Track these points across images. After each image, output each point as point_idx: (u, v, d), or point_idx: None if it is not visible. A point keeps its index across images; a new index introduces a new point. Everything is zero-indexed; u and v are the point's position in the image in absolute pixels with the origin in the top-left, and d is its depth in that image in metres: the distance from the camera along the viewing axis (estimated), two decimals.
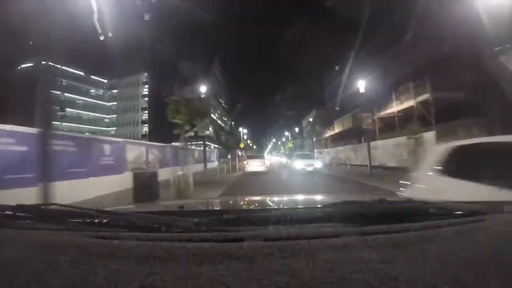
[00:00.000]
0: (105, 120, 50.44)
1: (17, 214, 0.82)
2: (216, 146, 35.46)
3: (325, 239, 0.62)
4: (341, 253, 0.56)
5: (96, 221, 0.79)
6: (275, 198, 1.78)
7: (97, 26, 4.82)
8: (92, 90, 48.62)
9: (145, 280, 0.50)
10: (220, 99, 54.74)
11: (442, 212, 0.87)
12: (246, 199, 1.80)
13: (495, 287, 0.47)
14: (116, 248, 0.59)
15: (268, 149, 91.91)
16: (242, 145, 23.60)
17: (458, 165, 2.42)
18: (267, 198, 1.78)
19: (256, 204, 1.53)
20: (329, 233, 0.66)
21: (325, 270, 0.51)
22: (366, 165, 13.45)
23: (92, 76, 47.05)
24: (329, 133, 29.86)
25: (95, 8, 4.66)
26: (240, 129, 40.72)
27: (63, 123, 37.90)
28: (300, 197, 2.19)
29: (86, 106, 46.95)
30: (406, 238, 0.62)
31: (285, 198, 1.87)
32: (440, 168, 2.49)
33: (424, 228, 0.69)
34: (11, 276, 0.53)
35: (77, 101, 44.62)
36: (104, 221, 0.78)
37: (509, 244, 0.61)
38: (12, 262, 0.57)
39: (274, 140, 75.70)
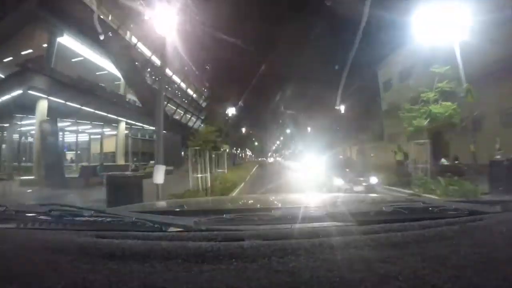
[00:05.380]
0: None
1: (17, 214, 0.89)
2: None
3: (325, 238, 0.69)
4: (341, 253, 0.62)
5: (96, 221, 0.87)
6: (275, 198, 1.86)
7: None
8: None
9: (145, 280, 0.55)
10: None
11: (442, 211, 0.95)
12: (246, 199, 1.91)
13: (495, 286, 0.53)
14: (116, 248, 0.65)
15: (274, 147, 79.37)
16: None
17: None
18: (267, 198, 1.90)
19: (256, 204, 1.61)
20: (329, 233, 0.73)
21: (325, 269, 0.57)
22: None
23: None
24: None
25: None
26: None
27: None
28: (300, 196, 2.22)
29: None
30: (406, 238, 0.69)
31: (285, 197, 1.96)
32: None
33: (424, 227, 0.77)
34: (11, 275, 0.58)
35: None
36: (104, 221, 0.86)
37: (509, 244, 0.69)
38: (12, 262, 0.63)
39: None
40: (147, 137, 23.30)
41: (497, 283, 0.52)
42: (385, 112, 21.26)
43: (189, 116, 31.36)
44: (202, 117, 33.49)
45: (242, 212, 0.99)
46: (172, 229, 0.80)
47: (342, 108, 19.81)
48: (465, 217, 0.87)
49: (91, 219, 0.88)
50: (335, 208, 0.93)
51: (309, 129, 41.19)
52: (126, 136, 20.22)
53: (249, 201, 1.74)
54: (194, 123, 32.70)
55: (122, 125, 19.38)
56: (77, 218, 0.88)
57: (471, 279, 0.52)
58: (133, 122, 20.34)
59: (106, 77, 19.70)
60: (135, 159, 21.13)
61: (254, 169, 25.32)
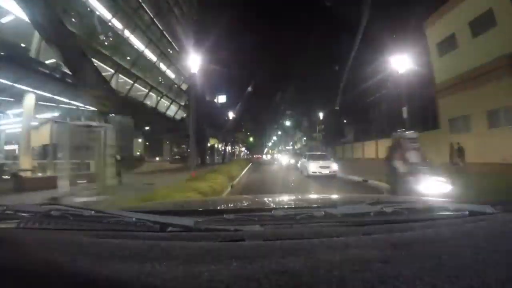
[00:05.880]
0: None
1: (17, 214, 0.92)
2: None
3: (325, 239, 0.73)
4: (341, 253, 0.66)
5: (96, 221, 0.91)
6: (275, 198, 1.87)
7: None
8: None
9: (145, 280, 0.57)
10: None
11: (442, 212, 0.97)
12: (246, 199, 1.83)
13: (495, 287, 0.55)
14: (116, 248, 0.69)
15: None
16: None
17: None
18: (267, 198, 1.82)
19: (256, 204, 1.57)
20: (329, 233, 0.77)
21: (325, 270, 0.59)
22: None
23: None
24: None
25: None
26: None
27: None
28: (300, 197, 2.27)
29: None
30: (406, 238, 0.74)
31: (285, 198, 1.96)
32: None
33: (424, 228, 0.80)
34: (11, 276, 0.61)
35: None
36: (104, 221, 0.90)
37: (509, 244, 0.73)
38: (12, 262, 0.66)
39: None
40: (83, 121, 16.08)
41: (497, 284, 0.55)
42: (444, 85, 15.56)
43: (159, 98, 25.21)
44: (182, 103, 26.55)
45: (242, 212, 1.03)
46: (172, 229, 0.85)
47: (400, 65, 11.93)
48: (465, 217, 0.93)
49: (91, 219, 0.94)
50: (335, 209, 0.94)
51: (320, 116, 34.23)
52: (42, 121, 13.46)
53: (249, 201, 1.72)
54: (168, 108, 25.65)
55: (29, 101, 12.56)
56: (77, 218, 0.94)
57: (471, 280, 0.55)
58: (52, 97, 13.56)
59: (13, 26, 12.50)
60: (59, 155, 13.92)
61: (243, 173, 19.71)
